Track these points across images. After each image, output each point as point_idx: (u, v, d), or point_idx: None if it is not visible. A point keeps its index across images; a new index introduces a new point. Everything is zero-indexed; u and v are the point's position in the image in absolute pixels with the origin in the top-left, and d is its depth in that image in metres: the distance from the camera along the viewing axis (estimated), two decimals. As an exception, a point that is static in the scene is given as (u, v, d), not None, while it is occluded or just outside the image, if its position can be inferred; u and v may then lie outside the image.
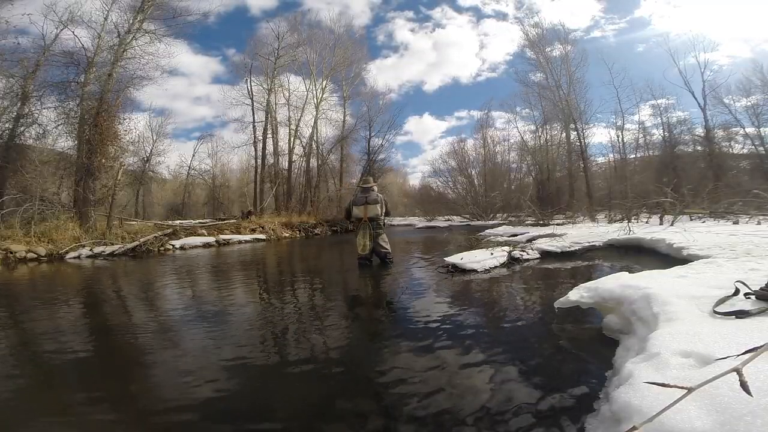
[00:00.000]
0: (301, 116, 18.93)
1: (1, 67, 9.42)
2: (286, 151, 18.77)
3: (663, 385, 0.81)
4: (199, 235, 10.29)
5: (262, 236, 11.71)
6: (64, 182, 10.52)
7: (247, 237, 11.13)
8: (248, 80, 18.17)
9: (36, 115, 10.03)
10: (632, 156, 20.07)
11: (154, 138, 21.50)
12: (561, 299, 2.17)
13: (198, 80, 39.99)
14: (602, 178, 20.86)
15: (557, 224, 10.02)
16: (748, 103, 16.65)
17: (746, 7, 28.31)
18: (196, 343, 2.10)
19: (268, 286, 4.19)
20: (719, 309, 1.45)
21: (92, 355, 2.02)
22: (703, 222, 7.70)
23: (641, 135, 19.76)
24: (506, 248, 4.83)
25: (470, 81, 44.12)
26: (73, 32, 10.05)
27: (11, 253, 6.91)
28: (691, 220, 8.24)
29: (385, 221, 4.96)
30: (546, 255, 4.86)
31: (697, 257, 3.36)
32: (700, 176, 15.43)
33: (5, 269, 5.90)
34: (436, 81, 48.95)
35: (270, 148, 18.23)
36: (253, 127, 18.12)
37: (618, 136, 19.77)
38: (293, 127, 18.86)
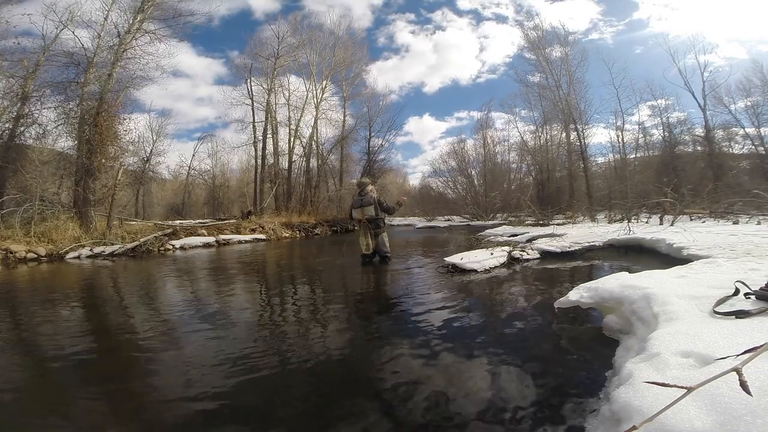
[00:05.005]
0: (301, 116, 18.92)
1: (1, 68, 9.42)
2: (286, 151, 18.75)
3: (663, 384, 0.82)
4: (199, 235, 10.29)
5: (262, 236, 11.70)
6: (64, 182, 10.52)
7: (247, 237, 11.12)
8: (248, 80, 18.17)
9: (36, 115, 10.03)
10: (632, 156, 20.07)
11: (154, 138, 21.48)
12: (561, 299, 2.17)
13: (201, 81, 39.94)
14: (602, 178, 20.80)
15: (557, 224, 10.02)
16: (748, 103, 16.67)
17: (742, 8, 28.35)
18: (196, 343, 2.10)
19: (269, 286, 4.19)
20: (719, 309, 1.45)
21: (93, 356, 2.02)
22: (703, 222, 7.70)
23: (641, 135, 19.77)
24: (506, 248, 4.83)
25: (470, 82, 44.27)
26: (73, 32, 10.03)
27: (11, 253, 6.91)
28: (691, 220, 8.24)
29: (384, 220, 5.09)
30: (546, 255, 4.86)
31: (697, 257, 3.36)
32: (700, 176, 15.43)
33: (5, 269, 5.90)
34: (436, 82, 49.14)
35: (270, 148, 18.21)
36: (253, 127, 18.10)
37: (618, 136, 19.77)
38: (293, 127, 18.85)
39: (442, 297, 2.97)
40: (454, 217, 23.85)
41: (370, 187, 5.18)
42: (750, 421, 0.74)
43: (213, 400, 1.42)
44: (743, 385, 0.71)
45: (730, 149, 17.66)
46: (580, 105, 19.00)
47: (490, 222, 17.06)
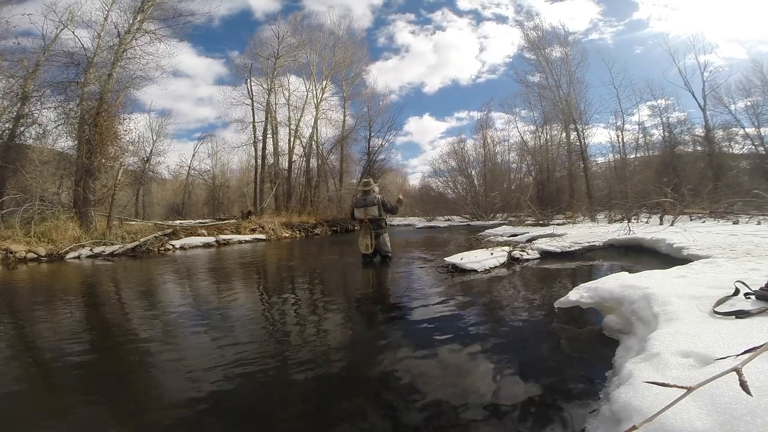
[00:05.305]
0: (301, 116, 18.92)
1: (1, 68, 9.42)
2: (286, 151, 18.75)
3: (663, 384, 0.82)
4: (199, 235, 10.29)
5: (262, 236, 11.70)
6: (64, 182, 10.52)
7: (247, 237, 11.12)
8: (248, 80, 18.17)
9: (36, 115, 10.03)
10: (632, 156, 20.07)
11: (154, 138, 21.47)
12: (561, 299, 2.17)
13: (201, 81, 39.95)
14: (602, 178, 20.80)
15: (557, 224, 10.02)
16: (748, 103, 16.66)
17: (742, 8, 28.37)
18: (196, 344, 2.10)
19: (269, 287, 4.19)
20: (719, 309, 1.45)
21: (92, 356, 2.02)
22: (703, 222, 7.70)
23: (641, 135, 19.77)
24: (506, 248, 4.83)
25: (470, 83, 44.29)
26: (73, 32, 10.02)
27: (11, 253, 6.91)
28: (691, 220, 8.24)
29: (387, 221, 5.08)
30: (546, 255, 4.86)
31: (697, 257, 3.36)
32: (700, 176, 15.43)
33: (5, 269, 5.90)
34: (436, 83, 49.10)
35: (270, 148, 18.20)
36: (253, 127, 18.09)
37: (618, 136, 19.77)
38: (293, 127, 18.85)
39: (442, 297, 2.97)
40: (454, 217, 23.84)
41: (376, 189, 5.18)
42: (750, 421, 0.74)
43: (213, 400, 1.42)
44: (743, 385, 0.71)
45: (730, 149, 17.65)
46: (580, 105, 19.02)
47: (490, 222, 17.07)
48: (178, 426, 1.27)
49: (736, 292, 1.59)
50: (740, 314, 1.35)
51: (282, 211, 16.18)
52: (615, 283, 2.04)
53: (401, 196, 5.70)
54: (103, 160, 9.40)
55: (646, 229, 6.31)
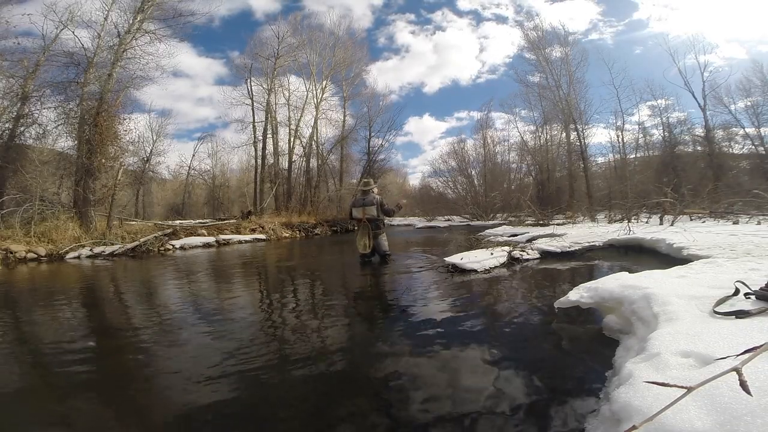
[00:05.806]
0: (301, 116, 18.92)
1: (1, 68, 9.42)
2: (286, 151, 18.75)
3: (663, 384, 0.82)
4: (199, 235, 10.29)
5: (262, 236, 11.70)
6: (64, 182, 10.52)
7: (247, 237, 11.12)
8: (248, 80, 18.17)
9: (36, 115, 10.03)
10: (632, 156, 20.06)
11: (154, 138, 21.47)
12: (561, 299, 2.17)
13: (201, 81, 40.04)
14: (602, 178, 20.80)
15: (557, 224, 10.01)
16: (748, 103, 16.66)
17: (742, 8, 28.40)
18: (196, 344, 2.10)
19: (269, 287, 4.19)
20: (719, 309, 1.45)
21: (92, 356, 2.02)
22: (703, 222, 7.70)
23: (641, 135, 19.77)
24: (506, 248, 4.83)
25: (470, 83, 44.36)
26: (73, 32, 10.03)
27: (11, 253, 6.91)
28: (691, 220, 8.24)
29: (384, 221, 5.10)
30: (546, 255, 4.86)
31: (697, 257, 3.36)
32: (700, 176, 15.42)
33: (5, 269, 5.90)
34: (436, 83, 49.17)
35: (270, 148, 18.21)
36: (253, 127, 18.09)
37: (618, 136, 19.77)
38: (293, 127, 18.84)
39: (442, 297, 2.97)
40: (454, 217, 23.82)
41: (375, 190, 5.21)
42: (750, 421, 0.74)
43: (213, 399, 1.42)
44: (743, 385, 0.71)
45: (730, 149, 17.65)
46: (580, 105, 19.01)
47: (490, 222, 17.05)
48: (179, 426, 1.27)
49: (736, 292, 1.59)
50: (740, 314, 1.36)
51: (282, 211, 16.18)
52: (615, 283, 2.04)
53: (403, 201, 5.56)
54: (103, 160, 9.40)
55: (646, 229, 6.31)
